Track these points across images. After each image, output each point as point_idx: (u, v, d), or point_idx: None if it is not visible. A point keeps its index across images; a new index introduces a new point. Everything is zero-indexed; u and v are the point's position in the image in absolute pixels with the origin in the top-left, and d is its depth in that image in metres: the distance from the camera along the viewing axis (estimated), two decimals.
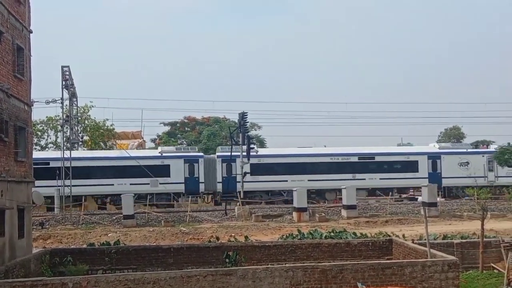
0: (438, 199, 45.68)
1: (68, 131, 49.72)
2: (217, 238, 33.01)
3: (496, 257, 27.98)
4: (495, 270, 27.27)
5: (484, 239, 28.53)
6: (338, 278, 19.93)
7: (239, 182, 47.83)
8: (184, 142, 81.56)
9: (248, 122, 50.51)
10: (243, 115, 48.81)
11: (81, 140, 59.97)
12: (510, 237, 30.84)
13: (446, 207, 44.41)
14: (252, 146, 49.51)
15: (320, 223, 39.20)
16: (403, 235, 31.79)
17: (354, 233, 32.27)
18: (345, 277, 20.00)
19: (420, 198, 45.87)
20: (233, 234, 35.06)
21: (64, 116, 48.49)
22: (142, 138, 73.43)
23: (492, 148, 54.27)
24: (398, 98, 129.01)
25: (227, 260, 25.65)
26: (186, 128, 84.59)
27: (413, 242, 27.29)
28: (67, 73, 46.42)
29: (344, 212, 42.41)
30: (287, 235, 33.44)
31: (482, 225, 28.92)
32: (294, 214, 41.86)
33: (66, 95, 47.56)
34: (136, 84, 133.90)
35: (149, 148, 71.59)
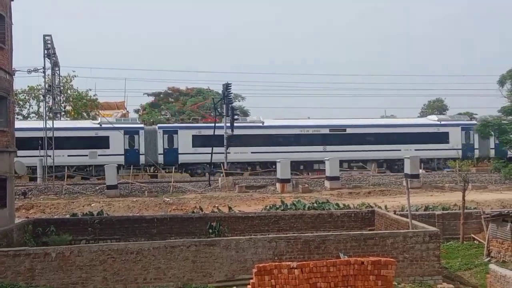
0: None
1: (51, 100, 49.25)
2: (201, 209, 33.08)
3: (477, 228, 28.33)
4: (475, 241, 27.62)
5: (465, 211, 28.84)
6: (320, 248, 20.14)
7: None
8: (168, 113, 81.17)
9: (232, 93, 50.30)
10: (227, 86, 48.56)
11: (63, 110, 59.50)
12: (490, 209, 31.14)
13: (428, 179, 44.67)
14: (236, 117, 49.38)
15: (303, 194, 39.36)
16: (386, 206, 32.04)
17: (337, 204, 32.46)
18: (327, 248, 20.20)
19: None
20: (216, 205, 35.14)
21: (46, 86, 48.02)
22: (126, 108, 72.96)
23: (474, 121, 53.57)
24: (382, 70, 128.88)
25: (210, 230, 25.73)
26: (170, 99, 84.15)
27: (395, 213, 27.61)
28: (49, 42, 45.85)
29: (327, 183, 42.56)
30: (271, 206, 33.56)
31: (463, 196, 29.19)
32: (278, 185, 41.99)
33: (48, 64, 47.05)
34: (119, 54, 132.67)
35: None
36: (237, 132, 48.90)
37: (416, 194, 37.73)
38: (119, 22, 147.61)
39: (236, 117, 49.24)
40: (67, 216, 31.32)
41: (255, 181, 44.07)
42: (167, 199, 37.54)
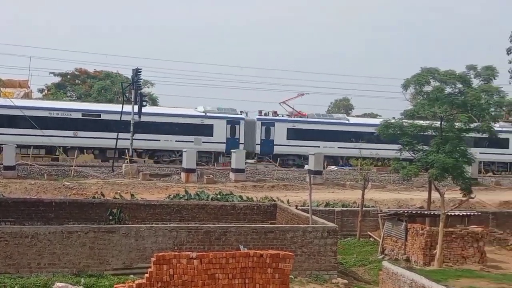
0: None
1: None
2: (102, 195, 32.42)
3: (373, 226, 29.30)
4: (371, 238, 28.55)
5: (364, 208, 29.71)
6: (221, 240, 20.22)
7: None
8: (74, 95, 78.94)
9: (141, 79, 49.43)
10: (137, 72, 47.67)
11: None
12: (387, 208, 32.15)
13: (330, 176, 45.59)
14: (144, 104, 48.55)
15: (208, 184, 39.28)
16: (288, 201, 32.46)
17: (241, 197, 32.65)
18: (228, 239, 20.29)
19: (306, 166, 46.78)
20: (118, 191, 34.49)
21: None
22: (29, 87, 70.24)
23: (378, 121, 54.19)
24: (295, 66, 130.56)
25: (110, 217, 25.27)
26: (76, 81, 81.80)
27: (296, 208, 27.92)
28: None
29: (232, 175, 42.67)
30: (174, 195, 33.32)
31: (363, 194, 30.04)
32: (182, 174, 41.70)
33: None
34: (25, 30, 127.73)
35: (36, 99, 68.61)
36: (324, 127, 52.11)
37: (318, 190, 38.29)
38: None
39: (144, 103, 48.41)
40: None
41: (159, 170, 43.56)
42: (68, 183, 36.55)
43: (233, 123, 50.71)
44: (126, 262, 19.38)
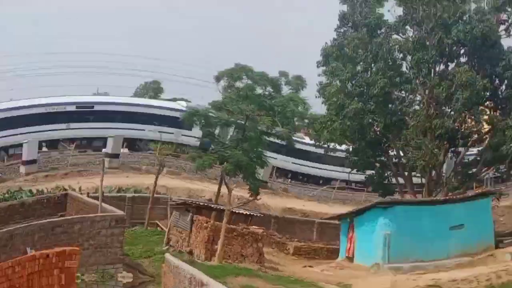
0: None
1: None
2: None
3: (163, 214, 29.23)
4: (158, 228, 28.71)
5: (156, 195, 29.43)
6: (8, 246, 18.81)
7: None
8: None
9: None
10: None
11: None
12: (178, 196, 32.22)
13: (127, 159, 43.82)
14: None
15: None
16: (80, 188, 31.20)
17: (30, 191, 30.41)
18: (15, 244, 18.96)
19: (104, 149, 43.23)
20: None
21: None
22: None
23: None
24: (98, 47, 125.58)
25: None
26: None
27: (88, 196, 27.03)
28: None
29: (22, 169, 38.62)
30: None
31: (156, 181, 29.72)
32: None
33: None
34: None
35: None
36: None
37: (113, 175, 37.03)
38: None
39: None
40: None
41: None
42: None
43: None
44: None
